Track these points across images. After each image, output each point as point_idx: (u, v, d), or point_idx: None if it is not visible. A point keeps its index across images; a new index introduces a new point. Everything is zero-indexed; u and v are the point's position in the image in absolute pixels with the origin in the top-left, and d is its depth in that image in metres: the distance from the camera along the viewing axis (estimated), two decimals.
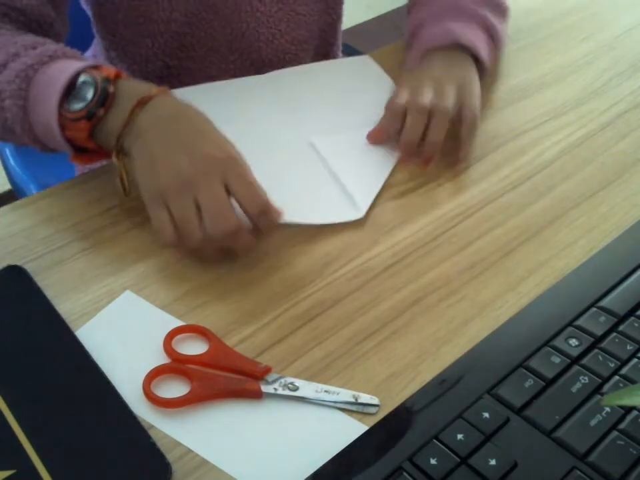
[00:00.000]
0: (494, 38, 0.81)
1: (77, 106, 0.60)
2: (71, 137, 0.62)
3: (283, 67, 0.87)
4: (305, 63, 0.90)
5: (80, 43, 0.84)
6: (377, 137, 0.73)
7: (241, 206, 0.58)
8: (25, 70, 0.62)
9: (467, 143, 0.72)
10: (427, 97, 0.71)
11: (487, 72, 0.79)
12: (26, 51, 0.63)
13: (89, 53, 0.92)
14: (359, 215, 0.65)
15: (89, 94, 0.60)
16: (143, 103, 0.60)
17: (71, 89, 0.61)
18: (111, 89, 0.61)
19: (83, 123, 0.60)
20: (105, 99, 0.60)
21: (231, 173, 0.58)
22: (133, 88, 0.62)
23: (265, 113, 0.76)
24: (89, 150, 0.64)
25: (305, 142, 0.72)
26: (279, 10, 0.83)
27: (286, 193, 0.63)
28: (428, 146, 0.70)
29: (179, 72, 0.85)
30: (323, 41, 0.92)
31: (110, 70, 0.62)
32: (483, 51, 0.78)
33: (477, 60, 0.78)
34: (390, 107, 0.73)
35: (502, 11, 0.84)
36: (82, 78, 0.61)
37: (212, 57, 0.84)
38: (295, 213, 0.63)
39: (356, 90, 0.81)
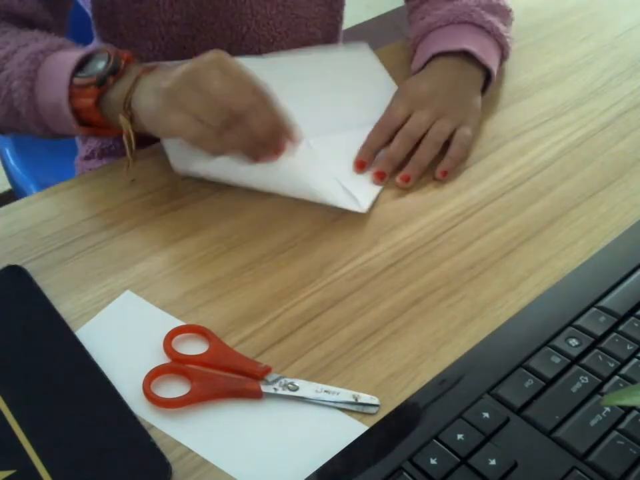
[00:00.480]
0: (502, 46, 0.80)
1: (89, 72, 0.64)
2: (78, 107, 0.64)
3: None
4: None
5: (79, 42, 0.84)
6: (361, 166, 0.70)
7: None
8: (35, 54, 0.65)
9: (450, 166, 0.70)
10: (423, 123, 0.70)
11: (493, 81, 0.78)
12: (34, 40, 0.67)
13: None
14: (362, 209, 0.65)
15: (101, 65, 0.64)
16: (147, 71, 0.64)
17: (84, 63, 0.65)
18: (122, 64, 0.64)
19: (92, 89, 0.63)
20: (116, 70, 0.64)
21: (225, 66, 0.59)
22: (138, 65, 0.66)
23: None
24: (92, 124, 0.66)
25: (302, 143, 0.72)
26: (278, 13, 0.83)
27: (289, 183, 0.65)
28: (412, 163, 0.69)
29: None
30: (325, 43, 0.92)
31: (123, 52, 0.66)
32: (491, 60, 0.77)
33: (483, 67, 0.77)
34: (383, 123, 0.72)
35: (508, 17, 0.83)
36: (97, 54, 0.65)
37: None
38: (300, 189, 0.65)
39: (352, 84, 0.81)
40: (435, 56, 0.78)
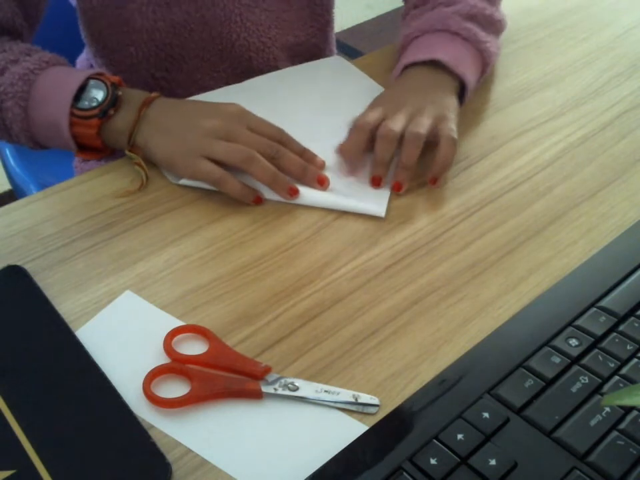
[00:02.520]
0: (482, 52, 0.77)
1: (89, 105, 0.67)
2: (77, 134, 0.68)
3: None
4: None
5: (73, 46, 0.85)
6: (344, 155, 0.69)
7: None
8: (27, 74, 0.67)
9: (443, 166, 0.67)
10: (398, 122, 0.68)
11: (469, 88, 0.75)
12: (23, 56, 0.69)
13: (82, 57, 0.93)
14: (379, 212, 0.65)
15: (99, 95, 0.67)
16: (148, 102, 0.68)
17: (81, 92, 0.67)
18: (119, 92, 0.68)
19: (95, 120, 0.67)
20: (115, 100, 0.68)
21: (249, 119, 0.67)
22: (134, 93, 0.70)
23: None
24: (92, 148, 0.70)
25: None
26: (266, 18, 0.83)
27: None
28: (400, 170, 0.67)
29: (169, 84, 0.84)
30: (312, 47, 0.92)
31: (114, 77, 0.69)
32: (465, 67, 0.75)
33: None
34: (357, 125, 0.69)
35: (492, 26, 0.80)
36: (92, 82, 0.68)
37: (203, 68, 0.84)
38: (317, 197, 0.67)
39: (336, 91, 0.80)
40: (408, 67, 0.76)
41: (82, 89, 0.67)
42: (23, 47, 0.71)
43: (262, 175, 0.65)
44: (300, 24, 0.88)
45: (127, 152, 0.68)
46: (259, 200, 0.66)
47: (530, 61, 0.88)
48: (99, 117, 0.67)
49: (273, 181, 0.65)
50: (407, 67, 0.77)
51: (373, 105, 0.73)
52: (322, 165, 0.69)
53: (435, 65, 0.75)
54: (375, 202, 0.66)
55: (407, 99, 0.72)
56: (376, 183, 0.68)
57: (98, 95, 0.67)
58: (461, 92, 0.76)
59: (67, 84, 0.67)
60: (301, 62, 0.90)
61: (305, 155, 0.69)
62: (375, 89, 0.80)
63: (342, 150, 0.69)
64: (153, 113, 0.68)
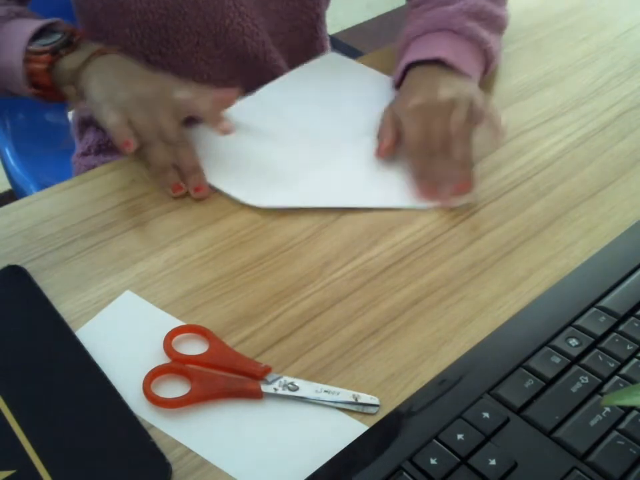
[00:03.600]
0: (485, 52, 0.78)
1: (44, 42, 0.71)
2: (31, 71, 0.71)
3: (268, 58, 0.87)
4: (280, 57, 0.90)
5: None
6: (431, 195, 0.68)
7: (162, 134, 0.67)
8: None
9: (497, 135, 0.70)
10: (439, 130, 0.68)
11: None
12: None
13: None
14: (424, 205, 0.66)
15: (56, 37, 0.72)
16: (98, 53, 0.71)
17: (39, 34, 0.71)
18: (75, 39, 0.72)
19: (46, 56, 0.70)
20: (69, 43, 0.72)
21: (158, 108, 0.67)
22: (93, 44, 0.73)
23: (269, 133, 0.75)
24: (42, 87, 0.73)
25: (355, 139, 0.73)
26: (255, 5, 0.84)
27: (347, 175, 0.69)
28: (453, 125, 0.67)
29: (164, 68, 0.84)
30: (299, 38, 0.92)
31: (76, 30, 0.73)
32: (468, 66, 0.75)
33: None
34: (412, 151, 0.69)
35: (494, 23, 0.80)
36: (52, 27, 0.72)
37: (198, 52, 0.85)
38: (359, 197, 0.67)
39: (343, 88, 0.81)
40: (411, 66, 0.76)
41: (40, 35, 0.72)
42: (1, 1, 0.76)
43: (155, 160, 0.67)
44: (286, 14, 0.88)
45: (67, 87, 0.71)
46: (176, 188, 0.67)
47: (530, 61, 0.88)
48: (50, 53, 0.70)
49: (162, 171, 0.68)
50: (409, 67, 0.76)
51: (405, 115, 0.70)
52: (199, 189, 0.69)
53: (438, 64, 0.74)
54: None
55: (432, 95, 0.70)
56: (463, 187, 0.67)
57: (54, 36, 0.72)
58: None
59: (25, 28, 0.71)
60: (289, 50, 0.91)
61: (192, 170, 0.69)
62: (377, 77, 0.81)
63: (422, 182, 0.68)
64: (102, 62, 0.71)
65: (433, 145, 0.68)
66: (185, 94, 0.69)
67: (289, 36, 0.90)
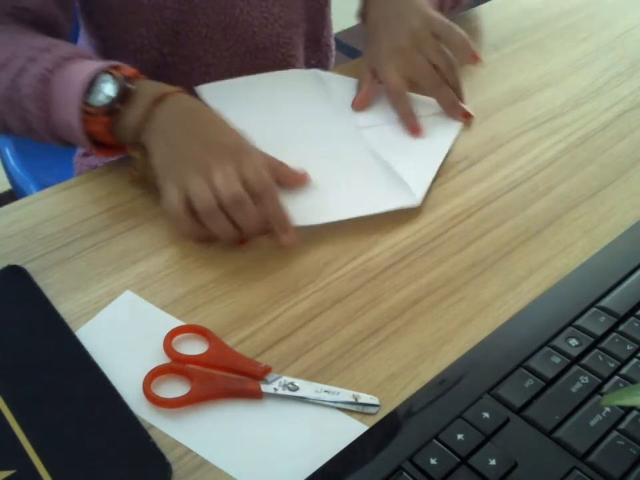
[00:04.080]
0: None
1: (98, 100, 0.64)
2: (92, 131, 0.65)
3: (277, 52, 0.87)
4: (298, 48, 0.91)
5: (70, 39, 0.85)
6: (417, 130, 0.74)
7: (247, 184, 0.60)
8: (44, 73, 0.65)
9: (466, 46, 0.76)
10: (423, 65, 0.75)
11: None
12: (42, 54, 0.67)
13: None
14: (415, 202, 0.65)
15: (110, 91, 0.64)
16: (158, 100, 0.64)
17: (91, 86, 0.64)
18: (131, 86, 0.65)
19: (103, 117, 0.64)
20: (124, 96, 0.64)
21: (242, 159, 0.61)
22: (150, 87, 0.66)
23: (301, 108, 0.77)
24: (108, 145, 0.67)
25: (352, 134, 0.74)
26: None
27: (335, 185, 0.67)
28: (458, 92, 0.76)
29: (175, 60, 0.85)
30: (312, 26, 0.93)
31: (130, 69, 0.66)
32: None
33: None
34: (395, 93, 0.76)
35: None
36: (102, 76, 0.64)
37: (207, 44, 0.85)
38: (345, 208, 0.65)
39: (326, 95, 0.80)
40: None
41: (94, 82, 0.64)
42: (46, 43, 0.69)
43: (216, 230, 0.60)
44: (302, 2, 0.89)
45: (128, 151, 0.66)
46: (242, 241, 0.62)
47: (530, 61, 0.88)
48: (106, 114, 0.64)
49: (223, 236, 0.61)
50: None
51: (379, 65, 0.76)
52: (307, 182, 0.67)
53: None
54: (409, 191, 0.66)
55: (398, 35, 0.76)
56: (466, 116, 0.76)
57: (108, 89, 0.64)
58: None
59: (77, 80, 0.65)
60: (301, 40, 0.91)
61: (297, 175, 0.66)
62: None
63: (410, 119, 0.74)
64: (161, 115, 0.64)
65: (420, 84, 0.75)
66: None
67: (307, 24, 0.91)
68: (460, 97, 0.76)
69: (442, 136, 0.74)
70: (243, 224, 0.60)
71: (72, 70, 0.66)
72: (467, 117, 0.76)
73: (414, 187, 0.67)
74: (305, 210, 0.64)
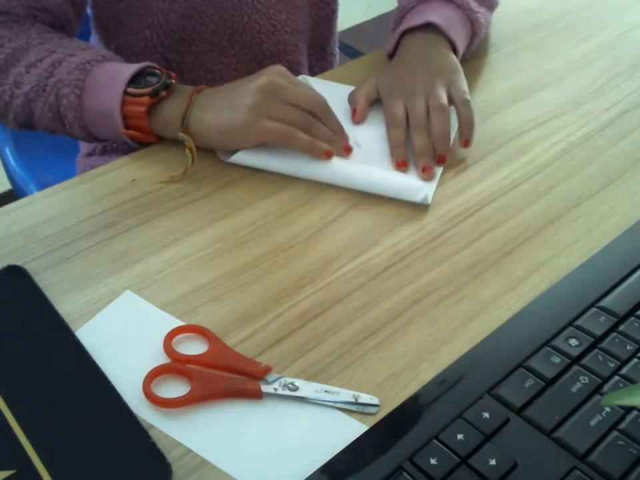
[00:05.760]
0: (472, 22, 0.82)
1: (142, 84, 0.69)
2: (127, 113, 0.69)
3: (284, 59, 0.88)
4: (303, 55, 0.91)
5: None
6: (403, 165, 0.70)
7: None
8: (84, 64, 0.70)
9: (468, 127, 0.72)
10: (421, 108, 0.72)
11: (459, 52, 0.80)
12: (80, 50, 0.72)
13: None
14: (425, 200, 0.66)
15: (153, 79, 0.70)
16: (198, 91, 0.70)
17: (137, 77, 0.70)
18: (172, 81, 0.71)
19: (146, 99, 0.68)
20: (167, 86, 0.70)
21: (289, 78, 0.71)
22: (185, 86, 0.72)
23: None
24: (137, 130, 0.70)
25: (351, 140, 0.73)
26: (278, 1, 0.84)
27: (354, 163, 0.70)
28: (438, 142, 0.71)
29: (179, 66, 0.85)
30: (317, 34, 0.93)
31: (170, 72, 0.72)
32: (455, 32, 0.79)
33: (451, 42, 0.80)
34: (393, 123, 0.73)
35: (486, 0, 0.86)
36: (147, 70, 0.70)
37: (213, 51, 0.85)
38: (362, 179, 0.68)
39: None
40: (404, 35, 0.80)
41: (137, 77, 0.70)
42: (80, 43, 0.74)
43: (301, 145, 0.68)
44: (309, 9, 0.89)
45: (180, 134, 0.69)
46: (329, 154, 0.69)
47: (530, 61, 0.88)
48: (150, 95, 0.68)
49: (310, 148, 0.69)
50: (403, 36, 0.80)
51: (390, 96, 0.75)
52: (349, 149, 0.72)
53: (429, 29, 0.79)
54: (420, 190, 0.67)
55: (414, 75, 0.75)
56: (428, 171, 0.69)
57: (152, 79, 0.70)
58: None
59: (122, 72, 0.69)
60: (306, 47, 0.92)
61: (339, 132, 0.72)
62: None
63: (398, 150, 0.71)
64: (203, 98, 0.70)
65: (412, 120, 0.72)
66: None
67: (311, 32, 0.92)
68: (440, 149, 0.70)
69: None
70: (316, 137, 0.69)
71: (111, 65, 0.71)
72: (440, 161, 0.71)
73: (424, 187, 0.67)
74: (326, 168, 0.69)
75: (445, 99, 0.72)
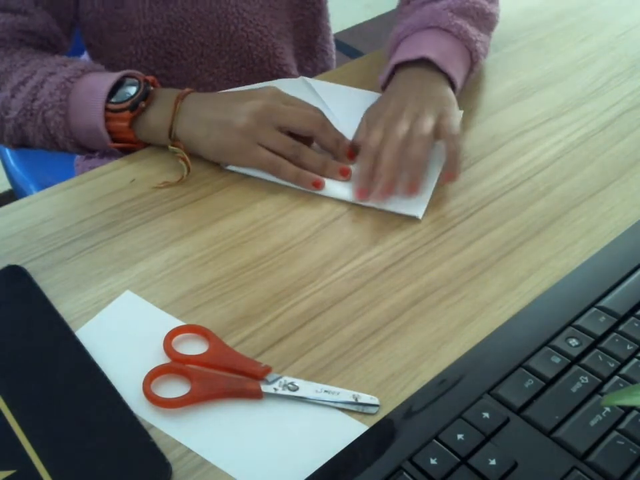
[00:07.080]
0: (471, 52, 0.77)
1: (121, 98, 0.70)
2: (112, 129, 0.70)
3: (274, 63, 0.87)
4: (290, 56, 0.91)
5: (73, 51, 0.85)
6: (362, 194, 0.66)
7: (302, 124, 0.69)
8: (64, 82, 0.70)
9: (454, 163, 0.67)
10: (401, 131, 0.67)
11: (457, 87, 0.74)
12: (59, 67, 0.72)
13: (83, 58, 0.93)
14: (417, 213, 0.65)
15: (132, 90, 0.70)
16: (182, 96, 0.70)
17: (116, 89, 0.70)
18: (151, 88, 0.71)
19: (126, 113, 0.69)
20: (146, 95, 0.70)
21: (285, 98, 0.70)
22: (167, 90, 0.72)
23: None
24: (125, 142, 0.71)
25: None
26: (261, 7, 0.84)
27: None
28: (409, 165, 0.65)
29: (169, 81, 0.85)
30: (302, 34, 0.92)
31: (148, 77, 0.72)
32: (452, 66, 0.74)
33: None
34: (365, 150, 0.67)
35: (485, 20, 0.80)
36: (127, 80, 0.71)
37: (203, 63, 0.85)
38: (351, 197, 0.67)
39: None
40: (398, 67, 0.75)
41: (117, 87, 0.70)
42: (60, 60, 0.74)
43: (287, 177, 0.68)
44: (290, 11, 0.88)
45: (170, 147, 0.69)
46: (317, 184, 0.68)
47: (530, 61, 0.88)
48: (130, 109, 0.69)
49: (296, 179, 0.68)
50: (397, 67, 0.76)
51: (373, 121, 0.70)
52: (351, 155, 0.71)
53: (424, 62, 0.74)
54: (413, 204, 0.66)
55: (404, 103, 0.70)
56: (388, 189, 0.65)
57: (131, 90, 0.70)
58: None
59: (101, 86, 0.70)
60: (292, 48, 0.91)
61: (341, 144, 0.71)
62: (350, 92, 0.80)
63: (361, 180, 0.66)
64: (189, 105, 0.69)
65: (390, 146, 0.66)
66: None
67: (294, 33, 0.91)
68: (410, 175, 0.65)
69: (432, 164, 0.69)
70: (308, 165, 0.68)
71: (91, 79, 0.71)
72: (411, 190, 0.66)
73: (416, 202, 0.66)
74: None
75: (429, 129, 0.66)
